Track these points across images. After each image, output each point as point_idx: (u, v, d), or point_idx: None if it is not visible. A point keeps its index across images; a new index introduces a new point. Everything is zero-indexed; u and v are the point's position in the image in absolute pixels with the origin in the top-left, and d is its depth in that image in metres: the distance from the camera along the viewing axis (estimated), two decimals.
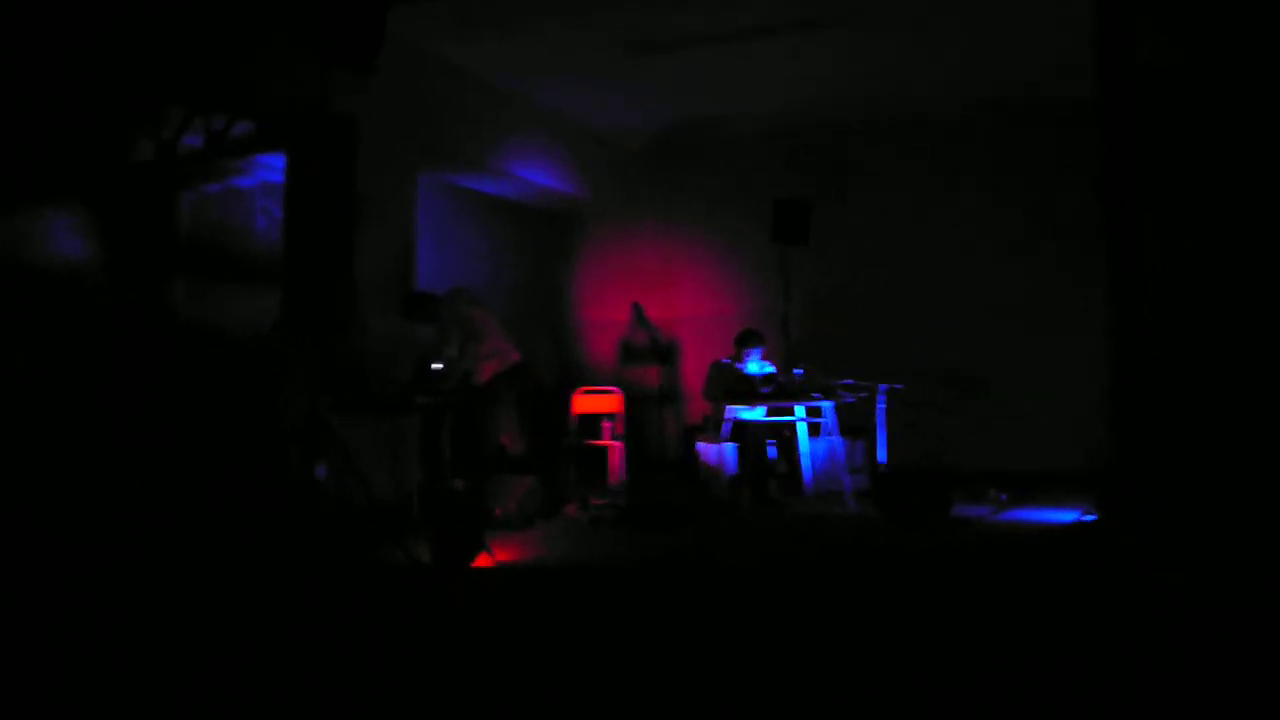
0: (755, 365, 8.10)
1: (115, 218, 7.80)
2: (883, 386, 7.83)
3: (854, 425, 8.37)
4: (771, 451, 8.07)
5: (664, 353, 10.02)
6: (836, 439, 7.80)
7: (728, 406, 7.88)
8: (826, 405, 7.64)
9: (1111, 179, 5.39)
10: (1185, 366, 5.16)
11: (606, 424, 8.61)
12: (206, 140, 7.60)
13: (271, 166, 8.11)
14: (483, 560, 5.30)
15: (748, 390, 7.79)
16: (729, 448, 8.24)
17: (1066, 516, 6.55)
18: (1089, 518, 6.11)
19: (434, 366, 7.34)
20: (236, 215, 8.78)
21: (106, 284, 7.43)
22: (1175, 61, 5.16)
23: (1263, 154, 4.94)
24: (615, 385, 9.11)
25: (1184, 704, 3.10)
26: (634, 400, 9.64)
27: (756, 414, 7.78)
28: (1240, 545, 4.68)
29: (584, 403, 8.87)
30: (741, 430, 7.89)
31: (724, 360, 8.26)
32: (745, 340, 8.15)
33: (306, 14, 4.86)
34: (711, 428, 8.34)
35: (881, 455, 7.95)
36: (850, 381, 7.71)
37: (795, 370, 7.90)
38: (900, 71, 8.68)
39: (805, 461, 8.17)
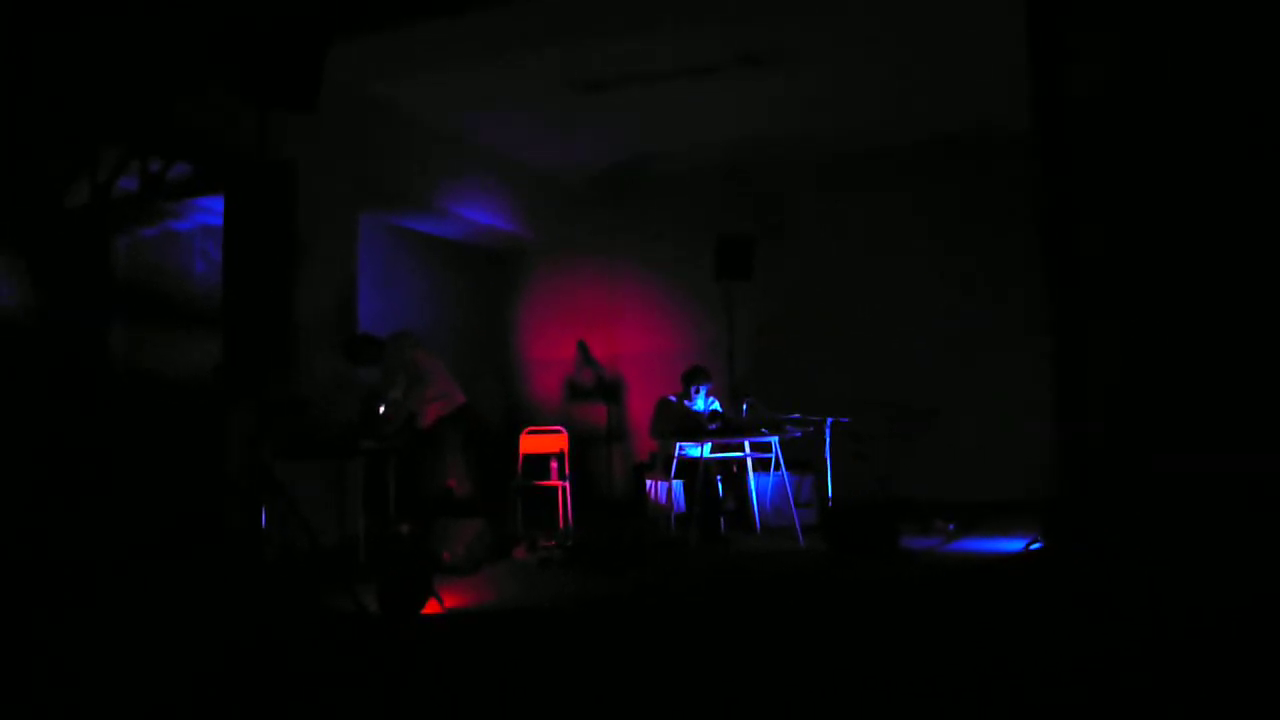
0: (702, 402, 8.10)
1: (49, 262, 7.64)
2: (829, 420, 7.85)
3: (802, 460, 8.39)
4: (720, 488, 8.06)
5: (610, 390, 9.99)
6: (785, 474, 7.81)
7: (675, 444, 7.86)
8: (774, 440, 7.65)
9: (1049, 204, 5.47)
10: (1128, 391, 5.23)
11: (554, 464, 8.53)
12: (142, 183, 7.48)
13: (209, 209, 8.00)
14: (432, 606, 5.21)
15: (695, 427, 7.78)
16: (677, 485, 8.22)
17: (1014, 545, 6.59)
18: (1036, 546, 6.14)
19: (382, 408, 7.25)
20: (174, 259, 8.63)
21: (41, 330, 7.26)
22: (1109, 86, 5.25)
23: (1200, 174, 5.03)
24: (561, 424, 9.06)
25: None
26: (581, 439, 9.59)
27: (704, 451, 7.76)
28: (1189, 570, 4.73)
29: (530, 443, 8.80)
30: (689, 467, 7.86)
31: (671, 397, 8.25)
32: (692, 377, 8.15)
33: (244, 55, 4.80)
34: (659, 465, 8.32)
35: (830, 489, 7.96)
36: (797, 416, 7.72)
37: (742, 406, 7.91)
38: (841, 108, 8.79)
39: (754, 497, 8.17)
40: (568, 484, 8.41)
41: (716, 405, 8.12)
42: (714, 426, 7.69)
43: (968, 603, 5.36)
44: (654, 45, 7.52)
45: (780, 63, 7.76)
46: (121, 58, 6.08)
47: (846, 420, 7.97)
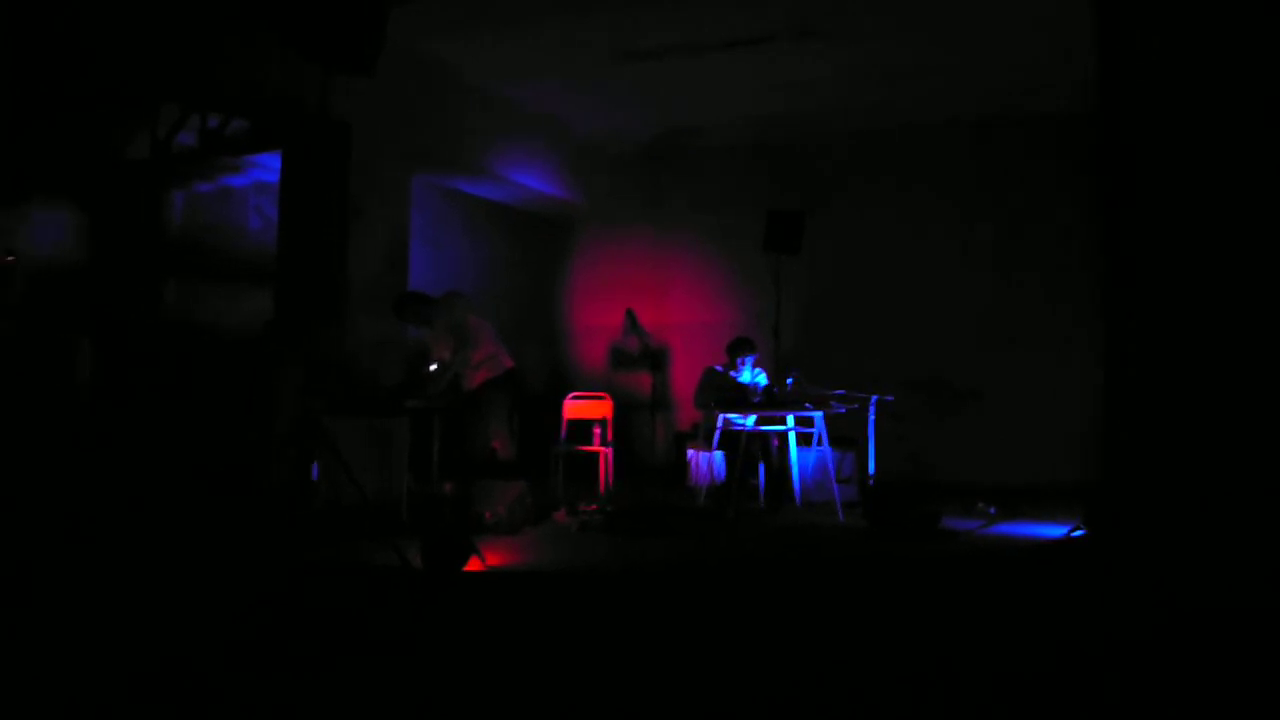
0: (748, 374, 8.10)
1: (106, 215, 7.75)
2: (874, 398, 7.83)
3: (844, 436, 8.38)
4: (761, 461, 8.07)
5: (655, 359, 10.01)
6: (827, 449, 7.81)
7: (719, 414, 7.87)
8: (818, 415, 7.64)
9: (1107, 188, 5.40)
10: (1179, 380, 5.16)
11: (596, 430, 8.58)
12: (201, 138, 7.57)
13: (265, 166, 8.08)
14: (474, 564, 5.28)
15: (739, 399, 7.78)
16: (719, 456, 8.23)
17: (1055, 531, 6.56)
18: (1078, 533, 6.10)
19: (430, 369, 7.32)
20: (229, 215, 8.74)
21: (97, 282, 7.39)
22: (1173, 67, 5.17)
23: (1262, 161, 4.94)
24: (606, 391, 9.09)
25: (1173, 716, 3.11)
26: (624, 406, 9.63)
27: (747, 423, 7.77)
28: (1231, 559, 4.69)
29: (574, 408, 8.85)
30: (732, 439, 7.87)
31: (716, 368, 8.26)
32: (738, 348, 8.14)
33: (306, 15, 4.84)
34: (702, 435, 8.34)
35: (871, 466, 7.95)
36: (842, 392, 7.71)
37: (787, 380, 7.90)
38: (892, 83, 8.72)
39: (795, 471, 8.17)
40: (610, 450, 8.46)
41: (762, 377, 8.12)
42: (758, 399, 7.69)
43: (1007, 587, 5.34)
44: (706, 16, 7.47)
45: (833, 35, 7.70)
46: (184, 13, 6.14)
47: (890, 398, 7.95)
